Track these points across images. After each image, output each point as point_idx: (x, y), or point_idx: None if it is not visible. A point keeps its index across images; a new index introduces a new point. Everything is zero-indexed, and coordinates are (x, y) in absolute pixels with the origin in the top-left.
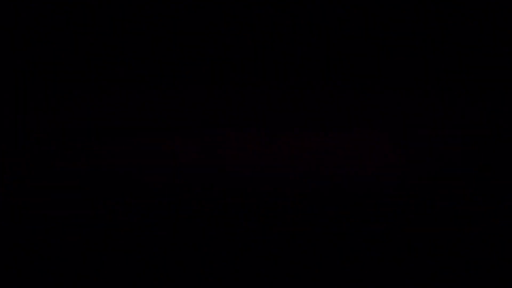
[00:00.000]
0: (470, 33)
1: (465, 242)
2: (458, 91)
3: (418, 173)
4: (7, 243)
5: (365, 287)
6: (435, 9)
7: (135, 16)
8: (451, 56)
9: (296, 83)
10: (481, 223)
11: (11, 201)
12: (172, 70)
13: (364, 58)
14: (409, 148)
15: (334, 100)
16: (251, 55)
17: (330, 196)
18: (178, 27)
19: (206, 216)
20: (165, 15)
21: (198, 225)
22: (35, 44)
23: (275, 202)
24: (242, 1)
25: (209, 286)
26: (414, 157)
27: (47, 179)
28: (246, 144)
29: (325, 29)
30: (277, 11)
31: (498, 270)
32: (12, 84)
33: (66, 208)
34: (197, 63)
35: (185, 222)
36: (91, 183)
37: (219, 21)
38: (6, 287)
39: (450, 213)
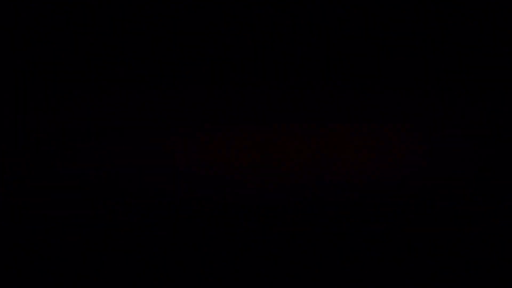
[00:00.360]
0: (469, 33)
1: (465, 242)
2: (458, 91)
3: (418, 173)
4: (7, 243)
5: (365, 287)
6: (435, 8)
7: (135, 16)
8: (451, 56)
9: (296, 82)
10: (481, 223)
11: (11, 201)
12: (172, 70)
13: (366, 57)
14: (409, 148)
15: (334, 100)
16: (251, 54)
17: (329, 196)
18: (178, 27)
19: (206, 216)
20: (165, 15)
21: (198, 225)
22: (35, 44)
23: (275, 202)
24: (242, 1)
25: (209, 286)
26: (414, 157)
27: (47, 179)
28: (247, 143)
29: (327, 27)
30: (276, 10)
31: (498, 270)
32: (12, 84)
33: (66, 208)
34: (197, 63)
35: (185, 222)
36: (91, 183)
37: (218, 21)
38: (6, 287)
39: (450, 213)
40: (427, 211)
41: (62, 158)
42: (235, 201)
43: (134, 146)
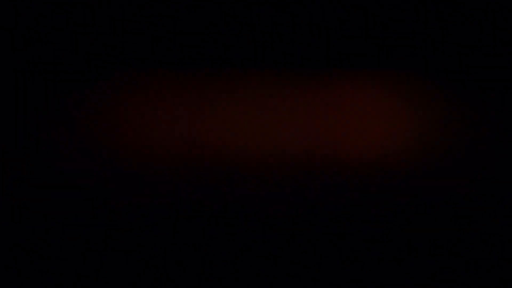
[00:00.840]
0: (470, 33)
1: (465, 242)
2: (459, 91)
3: (420, 173)
4: (7, 243)
5: (364, 287)
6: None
7: (134, 16)
8: (452, 56)
9: (294, 66)
10: (481, 223)
11: (11, 201)
12: (171, 68)
13: (366, 55)
14: (409, 148)
15: (332, 97)
16: (248, 44)
17: (328, 197)
18: (178, 26)
19: (207, 215)
20: (164, 15)
21: (198, 225)
22: (35, 44)
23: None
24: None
25: (209, 286)
26: (413, 157)
27: (47, 179)
28: (246, 135)
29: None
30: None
31: (498, 270)
32: (12, 84)
33: (66, 208)
34: (196, 58)
35: (186, 221)
36: (91, 183)
37: (216, 17)
38: (6, 287)
39: (450, 213)
40: (426, 211)
41: (62, 158)
42: (235, 195)
43: (134, 144)
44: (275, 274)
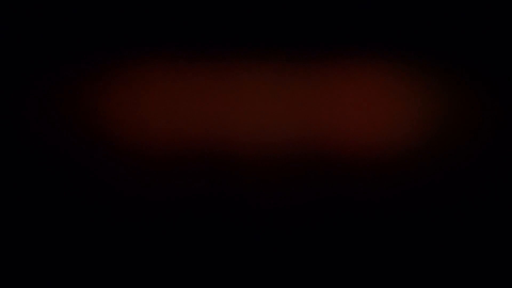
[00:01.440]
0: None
1: (465, 242)
2: (458, 90)
3: (418, 171)
4: (7, 243)
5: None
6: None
7: (133, 15)
8: (454, 57)
9: (292, 49)
10: (480, 223)
11: (12, 201)
12: (169, 64)
13: (368, 48)
14: (409, 146)
15: (331, 96)
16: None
17: (327, 198)
18: (177, 25)
19: (208, 215)
20: (163, 14)
21: (198, 224)
22: (34, 43)
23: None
24: None
25: (209, 285)
26: (413, 156)
27: (47, 178)
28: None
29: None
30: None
31: (498, 270)
32: (11, 83)
33: (66, 207)
34: (193, 46)
35: (186, 219)
36: (91, 182)
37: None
38: (6, 287)
39: (450, 213)
40: (426, 211)
41: (62, 158)
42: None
43: (134, 143)
44: (274, 273)
